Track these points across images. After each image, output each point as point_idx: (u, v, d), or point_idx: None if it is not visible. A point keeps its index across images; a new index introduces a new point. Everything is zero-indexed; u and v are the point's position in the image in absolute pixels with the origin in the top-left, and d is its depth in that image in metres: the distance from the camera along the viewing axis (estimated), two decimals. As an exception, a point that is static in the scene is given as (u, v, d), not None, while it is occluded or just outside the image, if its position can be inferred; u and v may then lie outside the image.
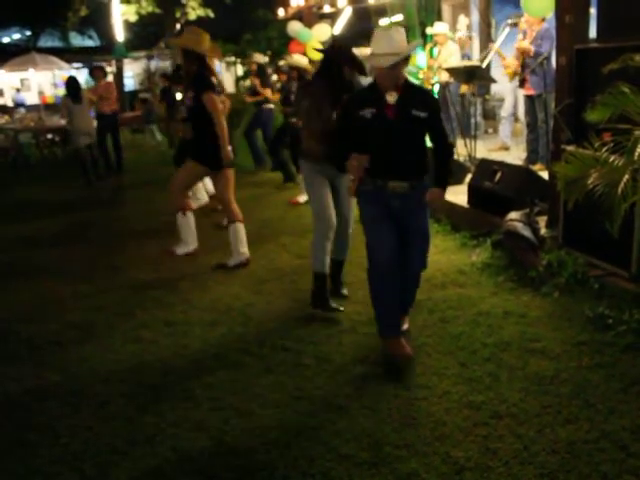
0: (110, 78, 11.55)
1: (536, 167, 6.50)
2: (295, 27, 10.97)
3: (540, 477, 2.47)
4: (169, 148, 8.90)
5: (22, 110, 16.51)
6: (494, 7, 10.01)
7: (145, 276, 5.19)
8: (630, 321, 3.57)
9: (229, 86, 18.43)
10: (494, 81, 7.60)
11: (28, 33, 27.35)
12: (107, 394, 3.31)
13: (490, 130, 9.89)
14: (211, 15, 20.46)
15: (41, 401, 3.28)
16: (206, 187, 7.47)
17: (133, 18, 19.76)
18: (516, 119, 8.72)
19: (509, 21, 7.25)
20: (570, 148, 4.24)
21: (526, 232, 4.63)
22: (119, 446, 2.83)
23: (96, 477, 2.65)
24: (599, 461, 2.52)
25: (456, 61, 8.44)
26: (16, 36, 27.73)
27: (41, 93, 21.38)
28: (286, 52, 12.66)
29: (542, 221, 4.99)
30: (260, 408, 3.09)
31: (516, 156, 7.52)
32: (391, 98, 3.35)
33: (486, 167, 5.82)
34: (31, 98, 21.06)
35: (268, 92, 9.34)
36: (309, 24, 11.43)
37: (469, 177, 6.20)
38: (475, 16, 10.08)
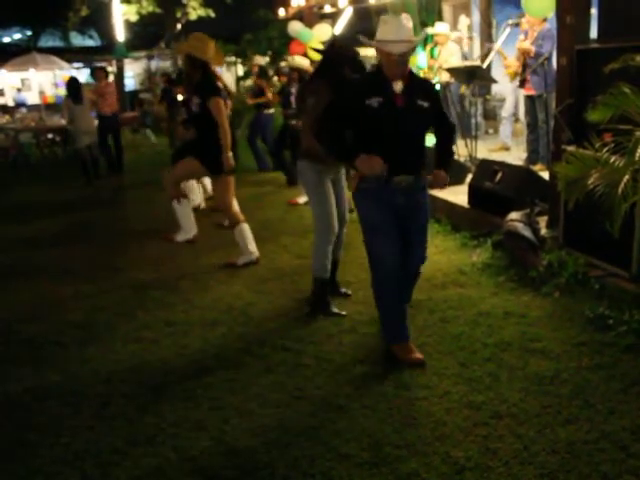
0: (111, 78, 11.55)
1: (537, 167, 6.50)
2: (296, 27, 10.97)
3: (540, 477, 2.47)
4: (170, 148, 8.89)
5: (23, 110, 16.51)
6: (495, 7, 10.00)
7: (146, 276, 5.19)
8: (630, 321, 3.57)
9: (229, 86, 18.42)
10: (495, 81, 7.61)
11: (29, 33, 27.37)
12: (108, 394, 3.31)
13: (491, 130, 9.89)
14: (212, 15, 20.48)
15: (42, 401, 3.28)
16: (207, 187, 7.48)
17: (134, 18, 19.78)
18: (517, 119, 8.73)
19: (510, 21, 7.25)
20: (571, 148, 4.24)
21: (526, 232, 4.63)
22: (120, 446, 2.84)
23: (97, 477, 2.65)
24: (599, 461, 2.53)
25: (457, 61, 8.46)
26: (17, 36, 27.75)
27: (42, 93, 21.37)
28: (287, 52, 12.66)
29: (542, 221, 4.99)
30: (260, 408, 3.09)
31: (517, 156, 7.52)
32: (397, 87, 3.26)
33: (487, 167, 5.82)
34: (32, 98, 21.05)
35: (269, 94, 9.31)
36: (310, 24, 11.44)
37: (470, 177, 6.20)
38: (476, 16, 10.08)
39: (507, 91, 8.23)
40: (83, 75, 19.81)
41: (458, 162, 7.00)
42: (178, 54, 13.14)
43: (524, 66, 6.93)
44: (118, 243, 6.33)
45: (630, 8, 4.54)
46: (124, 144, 11.19)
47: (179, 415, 3.07)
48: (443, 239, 5.63)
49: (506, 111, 8.24)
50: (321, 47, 9.12)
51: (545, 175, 5.43)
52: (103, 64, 13.63)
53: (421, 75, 8.42)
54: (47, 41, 27.01)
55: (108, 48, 22.14)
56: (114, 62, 20.19)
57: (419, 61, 8.51)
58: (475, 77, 7.15)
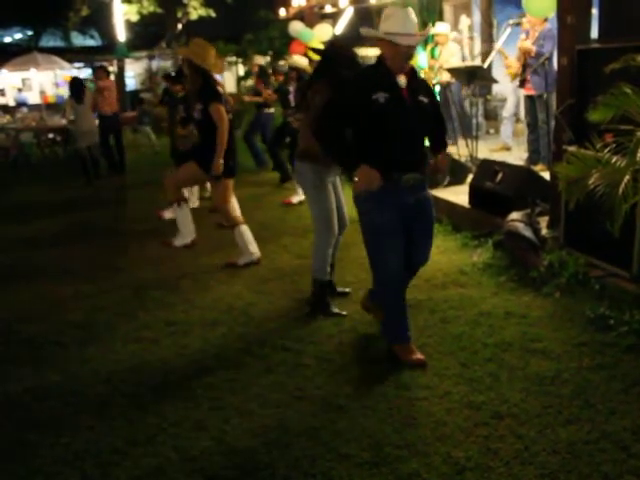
0: (112, 78, 11.59)
1: (537, 167, 6.50)
2: (297, 27, 10.97)
3: (541, 477, 2.46)
4: (171, 148, 8.88)
5: (24, 110, 16.52)
6: (496, 7, 9.99)
7: (146, 276, 5.19)
8: (631, 322, 3.57)
9: (230, 86, 18.43)
10: (495, 81, 7.60)
11: (30, 33, 27.36)
12: (108, 394, 3.31)
13: (492, 130, 9.88)
14: (212, 15, 20.48)
15: (42, 401, 3.28)
16: (207, 187, 7.47)
17: (135, 18, 19.78)
18: (518, 119, 8.72)
19: (510, 21, 7.25)
20: (571, 149, 4.24)
21: (527, 232, 4.63)
22: (120, 446, 2.83)
23: (97, 477, 2.65)
24: (600, 462, 2.52)
25: (457, 61, 8.45)
26: (18, 36, 27.74)
27: (43, 93, 21.36)
28: (287, 52, 12.65)
29: (543, 221, 4.99)
30: (261, 408, 3.09)
31: (517, 156, 7.51)
32: (402, 82, 3.19)
33: (487, 167, 5.81)
34: (33, 98, 21.06)
35: (268, 93, 9.27)
36: (310, 24, 11.44)
37: (470, 177, 6.20)
38: (477, 16, 10.07)
39: (508, 91, 8.22)
40: (84, 75, 19.78)
41: (459, 162, 7.01)
42: (179, 55, 13.19)
43: (524, 66, 6.93)
44: (118, 243, 6.33)
45: (631, 8, 4.54)
46: (125, 144, 11.19)
47: (179, 415, 3.06)
48: (444, 239, 5.63)
49: (507, 111, 8.24)
50: (321, 47, 9.10)
51: (546, 175, 5.43)
52: (104, 64, 13.63)
53: (422, 75, 8.43)
54: (48, 41, 27.01)
55: (109, 48, 22.15)
56: (115, 62, 20.20)
57: (420, 61, 8.49)
58: (476, 77, 7.14)
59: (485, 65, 7.93)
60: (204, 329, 4.07)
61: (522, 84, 7.09)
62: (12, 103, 20.13)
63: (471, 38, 9.95)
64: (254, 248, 5.31)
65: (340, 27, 11.92)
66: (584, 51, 4.58)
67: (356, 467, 2.60)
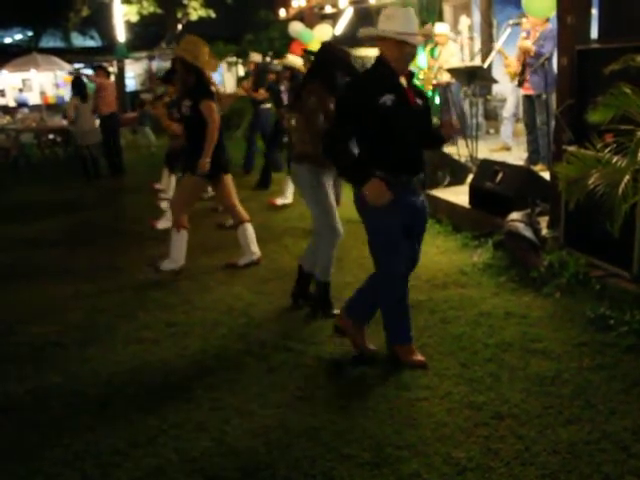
0: (112, 78, 11.60)
1: (537, 167, 6.50)
2: (297, 28, 10.98)
3: (541, 478, 2.46)
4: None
5: (24, 110, 16.53)
6: (495, 8, 10.00)
7: (146, 276, 5.19)
8: (631, 322, 3.57)
9: (230, 86, 18.43)
10: (495, 81, 7.60)
11: (30, 33, 27.38)
12: (108, 395, 3.31)
13: (492, 130, 9.88)
14: (212, 15, 20.49)
15: (42, 402, 3.28)
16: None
17: (134, 18, 19.81)
18: (518, 119, 8.71)
19: (510, 21, 7.25)
20: (571, 149, 4.24)
21: (527, 232, 4.63)
22: (120, 447, 2.83)
23: (97, 478, 2.65)
24: (600, 462, 2.52)
25: (457, 62, 8.45)
26: (18, 36, 27.76)
27: (43, 93, 21.36)
28: (287, 53, 12.64)
29: (543, 221, 4.99)
30: (261, 408, 3.09)
31: (517, 156, 7.51)
32: (403, 83, 3.18)
33: (487, 167, 5.81)
34: (33, 98, 21.05)
35: (262, 92, 9.15)
36: (310, 25, 11.45)
37: (470, 177, 6.20)
38: (477, 17, 10.08)
39: (508, 91, 8.22)
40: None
41: (459, 162, 7.01)
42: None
43: (524, 66, 6.92)
44: (119, 244, 6.33)
45: (631, 8, 4.54)
46: (124, 144, 11.20)
47: (180, 416, 3.06)
48: (444, 239, 5.63)
49: (507, 111, 8.23)
50: (314, 49, 9.06)
51: (546, 175, 5.42)
52: (104, 64, 13.64)
53: (422, 75, 8.43)
54: (48, 42, 27.02)
55: (109, 48, 22.14)
56: (115, 62, 20.20)
57: (419, 61, 8.49)
58: (476, 77, 7.14)
59: (485, 65, 7.93)
60: (204, 330, 4.07)
61: (521, 84, 7.09)
62: (12, 104, 20.12)
63: (471, 38, 9.95)
64: (255, 248, 5.31)
65: (340, 27, 11.92)
66: (584, 51, 4.58)
67: (357, 467, 2.60)
